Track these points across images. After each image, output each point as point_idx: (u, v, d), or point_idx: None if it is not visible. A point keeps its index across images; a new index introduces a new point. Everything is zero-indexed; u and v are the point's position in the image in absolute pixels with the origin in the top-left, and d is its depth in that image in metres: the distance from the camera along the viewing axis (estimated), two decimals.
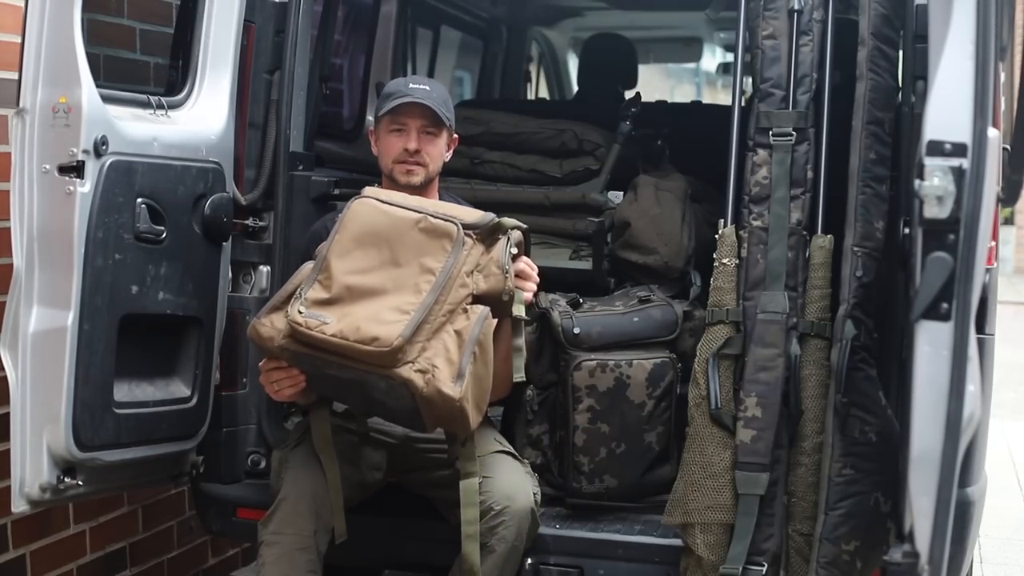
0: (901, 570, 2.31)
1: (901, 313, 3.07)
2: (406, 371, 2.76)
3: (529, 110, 4.45)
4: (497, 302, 2.91)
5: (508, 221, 2.95)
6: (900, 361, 3.03)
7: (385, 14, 4.80)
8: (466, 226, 2.89)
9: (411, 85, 3.23)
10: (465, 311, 2.85)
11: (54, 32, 2.89)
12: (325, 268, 2.86)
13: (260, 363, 2.99)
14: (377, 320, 2.78)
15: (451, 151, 3.34)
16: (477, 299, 2.88)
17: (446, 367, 2.78)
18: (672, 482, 3.20)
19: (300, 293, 2.85)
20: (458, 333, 2.82)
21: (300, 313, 2.81)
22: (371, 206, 2.93)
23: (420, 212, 2.90)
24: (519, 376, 3.01)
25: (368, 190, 3.01)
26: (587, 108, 4.62)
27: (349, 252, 2.88)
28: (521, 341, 3.00)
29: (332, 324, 2.79)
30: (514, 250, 2.96)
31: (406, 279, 2.84)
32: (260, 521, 3.09)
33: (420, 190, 3.25)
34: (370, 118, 4.76)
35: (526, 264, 3.04)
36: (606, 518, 3.39)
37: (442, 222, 2.88)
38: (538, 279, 3.09)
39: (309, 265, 2.93)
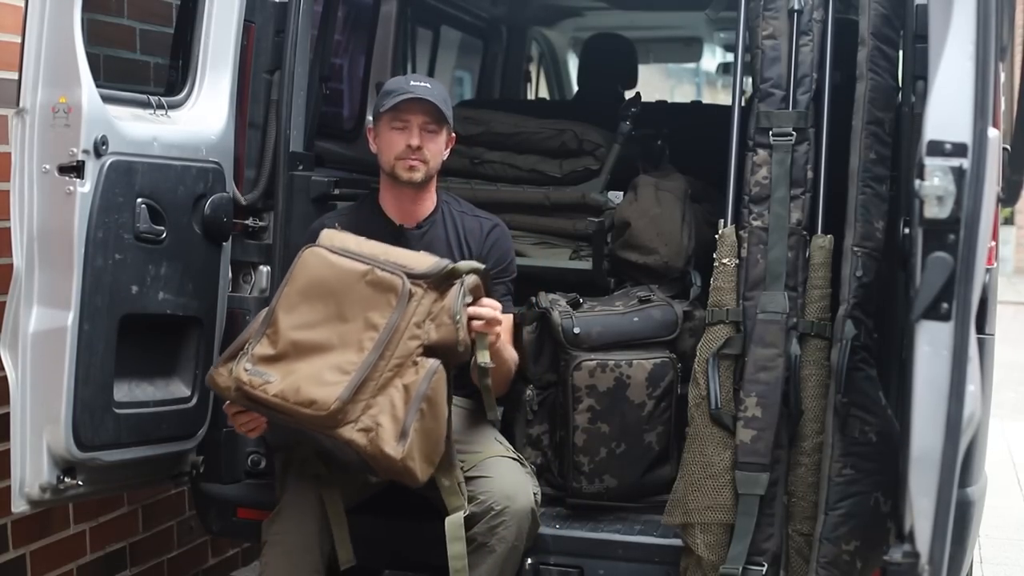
0: (901, 570, 2.31)
1: (901, 313, 3.07)
2: (347, 431, 2.80)
3: (529, 110, 4.45)
4: (453, 351, 2.90)
5: (463, 265, 2.94)
6: (900, 361, 3.03)
7: (385, 14, 4.80)
8: (416, 275, 2.88)
9: (412, 83, 3.23)
10: (415, 363, 2.85)
11: (54, 32, 2.89)
12: (272, 322, 2.89)
13: (224, 406, 3.03)
14: (317, 381, 2.81)
15: (449, 150, 3.34)
16: (430, 349, 2.88)
17: (391, 425, 2.80)
18: (672, 482, 3.20)
19: (248, 348, 2.88)
20: (406, 388, 2.83)
21: (246, 371, 2.85)
22: (320, 257, 2.93)
23: (368, 264, 2.90)
24: (492, 415, 3.08)
25: (324, 235, 3.01)
26: (587, 108, 4.62)
27: (296, 306, 2.90)
28: (488, 381, 3.01)
29: (275, 383, 2.82)
30: (469, 298, 2.92)
31: (351, 335, 2.85)
32: (264, 521, 3.09)
33: (420, 188, 3.26)
34: (370, 117, 4.76)
35: (488, 307, 2.97)
36: (606, 518, 3.39)
37: (388, 275, 2.87)
38: (502, 320, 3.03)
39: (263, 313, 2.96)
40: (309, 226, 3.43)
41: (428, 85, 3.24)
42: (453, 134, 3.35)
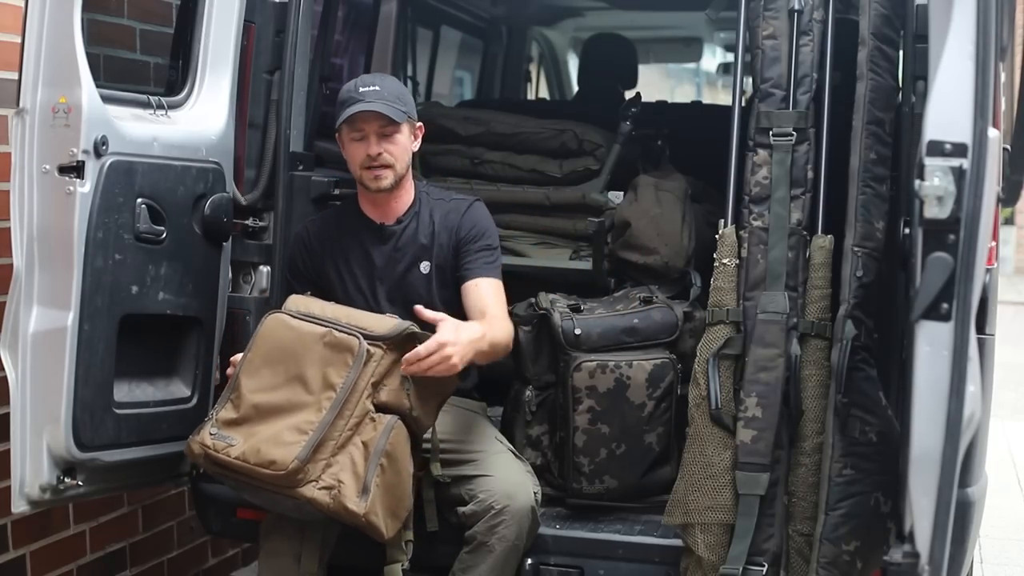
0: (901, 570, 2.31)
1: (901, 313, 3.07)
2: (309, 490, 2.87)
3: (529, 110, 4.45)
4: (406, 416, 2.96)
5: (422, 335, 2.96)
6: (900, 361, 3.03)
7: (385, 14, 4.81)
8: (374, 337, 2.93)
9: (361, 88, 3.21)
10: (373, 420, 2.92)
11: (54, 32, 2.89)
12: (236, 388, 2.98)
13: None
14: (277, 442, 2.87)
15: (418, 140, 3.33)
16: (386, 407, 2.94)
17: (352, 481, 2.88)
18: (672, 482, 3.20)
19: (213, 414, 2.97)
20: (365, 445, 2.90)
21: (211, 435, 2.93)
22: (280, 321, 3.01)
23: (328, 326, 2.97)
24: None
25: (291, 301, 3.09)
26: (587, 108, 4.62)
27: (258, 370, 2.97)
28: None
29: (238, 446, 2.91)
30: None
31: (309, 396, 2.92)
32: (262, 523, 3.10)
33: (393, 192, 3.26)
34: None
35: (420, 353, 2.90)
36: (606, 518, 3.39)
37: (345, 336, 2.94)
38: (438, 359, 2.91)
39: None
40: None
41: (377, 87, 3.22)
42: (419, 124, 3.33)
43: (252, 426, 2.92)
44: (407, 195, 3.33)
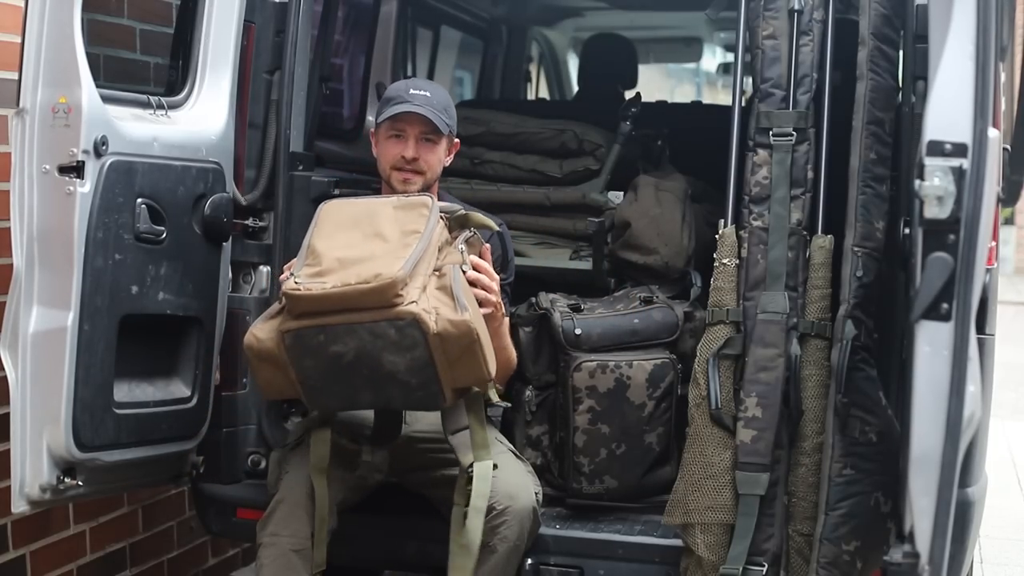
0: (901, 570, 2.31)
1: (901, 313, 3.07)
2: (414, 307, 2.73)
3: (529, 110, 4.45)
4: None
5: (476, 218, 3.02)
6: (900, 361, 3.03)
7: (385, 14, 4.80)
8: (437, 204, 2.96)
9: (412, 90, 3.20)
10: (439, 272, 2.86)
11: (54, 32, 2.89)
12: (311, 252, 2.86)
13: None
14: (374, 265, 2.77)
15: (451, 156, 3.32)
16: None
17: (449, 302, 2.78)
18: (672, 482, 3.20)
19: (291, 275, 2.83)
20: (442, 288, 2.82)
21: (297, 282, 2.78)
22: (341, 202, 3.03)
23: (392, 199, 3.00)
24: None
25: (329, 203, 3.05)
26: (587, 108, 4.62)
27: (331, 235, 2.90)
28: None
29: (330, 281, 2.76)
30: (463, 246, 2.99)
31: (393, 243, 2.85)
32: (258, 522, 3.09)
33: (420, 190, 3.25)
34: (370, 119, 4.76)
35: (486, 272, 3.00)
36: (606, 518, 3.39)
37: (417, 196, 2.99)
38: (494, 287, 3.02)
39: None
40: (308, 225, 3.42)
41: (428, 93, 3.21)
42: (457, 140, 3.33)
43: (339, 272, 2.78)
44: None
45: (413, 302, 2.73)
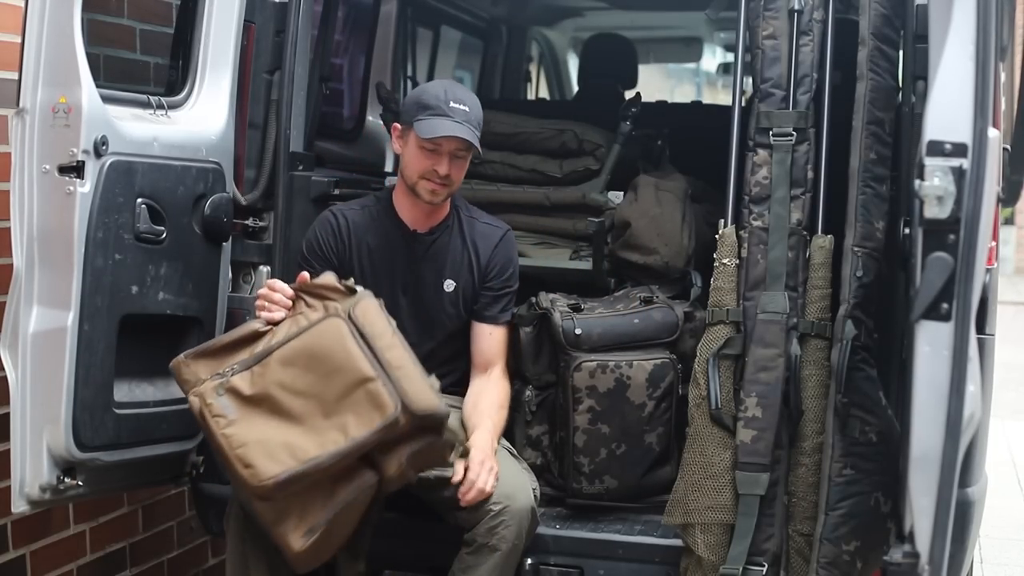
0: (901, 570, 2.31)
1: (901, 313, 3.07)
2: (261, 506, 2.83)
3: (529, 110, 4.45)
4: (388, 478, 2.90)
5: (451, 435, 2.92)
6: (900, 361, 3.03)
7: (385, 14, 4.80)
8: (410, 410, 2.79)
9: (452, 103, 3.14)
10: (355, 472, 2.85)
11: (54, 32, 2.89)
12: (264, 364, 2.87)
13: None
14: (265, 450, 2.78)
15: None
16: (372, 463, 2.87)
17: (302, 519, 2.82)
18: (672, 482, 3.20)
19: (228, 372, 2.87)
20: (333, 491, 2.83)
21: (217, 395, 2.84)
22: (341, 334, 2.85)
23: (377, 372, 2.81)
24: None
25: (368, 307, 2.90)
26: (587, 108, 4.62)
27: (292, 363, 2.86)
28: None
29: (231, 425, 2.81)
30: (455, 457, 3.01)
31: (321, 423, 2.81)
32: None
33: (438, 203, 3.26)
34: (370, 118, 4.77)
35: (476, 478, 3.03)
36: (606, 518, 3.39)
37: (386, 396, 2.79)
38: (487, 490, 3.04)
39: (253, 325, 2.93)
40: (309, 226, 3.42)
41: (467, 107, 3.16)
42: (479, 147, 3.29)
43: (255, 415, 2.83)
44: (445, 207, 3.33)
45: (270, 500, 2.81)
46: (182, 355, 2.93)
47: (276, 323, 2.95)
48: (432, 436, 2.89)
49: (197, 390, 2.87)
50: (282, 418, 2.83)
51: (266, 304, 2.97)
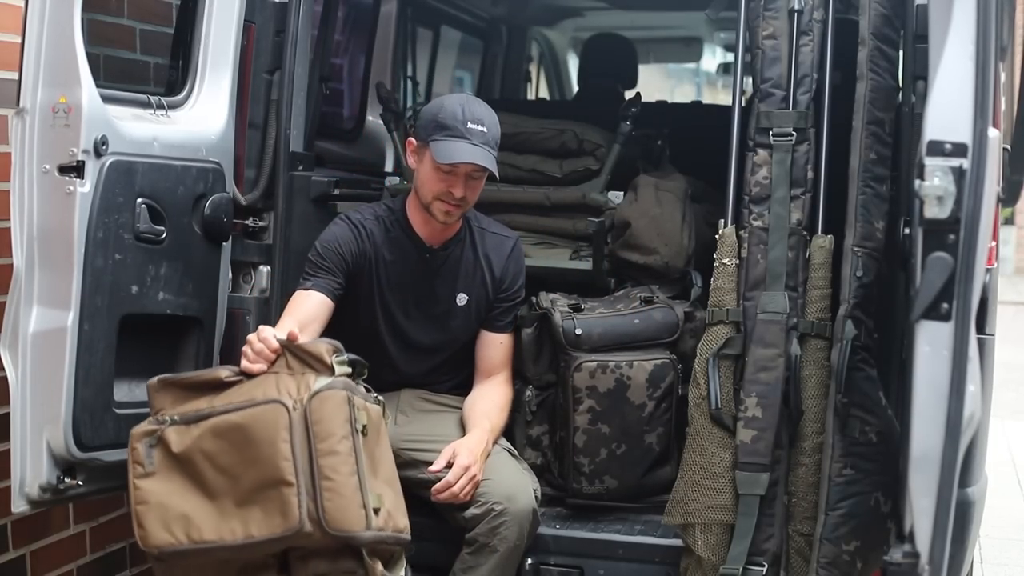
0: (901, 570, 2.31)
1: (901, 313, 3.07)
2: (156, 565, 2.82)
3: (529, 110, 4.45)
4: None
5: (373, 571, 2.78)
6: (900, 361, 3.03)
7: (385, 14, 4.80)
8: (326, 528, 2.66)
9: (469, 124, 3.09)
10: (261, 568, 2.79)
11: (54, 32, 2.89)
12: (200, 426, 2.78)
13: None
14: (163, 517, 2.76)
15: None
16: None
17: None
18: (672, 482, 3.20)
19: (167, 421, 2.81)
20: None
21: (147, 444, 2.80)
22: (279, 425, 2.71)
23: (302, 477, 2.67)
24: None
25: (327, 394, 2.74)
26: (587, 108, 4.62)
27: (224, 436, 2.75)
28: None
29: (146, 477, 2.79)
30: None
31: (230, 511, 2.73)
32: None
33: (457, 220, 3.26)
34: (370, 118, 4.77)
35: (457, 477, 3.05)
36: (606, 518, 3.39)
37: (294, 507, 2.66)
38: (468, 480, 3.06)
39: (220, 373, 2.87)
40: (309, 226, 3.42)
41: (484, 128, 3.12)
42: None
43: (172, 475, 2.77)
44: (458, 223, 3.32)
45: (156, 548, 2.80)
46: (156, 378, 2.89)
47: (250, 375, 2.84)
48: (351, 562, 2.75)
49: (136, 429, 2.84)
50: (196, 488, 2.76)
51: (248, 353, 2.87)
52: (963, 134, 2.24)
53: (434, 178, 3.15)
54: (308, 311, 3.13)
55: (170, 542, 2.74)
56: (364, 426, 2.77)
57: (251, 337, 2.90)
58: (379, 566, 2.81)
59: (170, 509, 2.76)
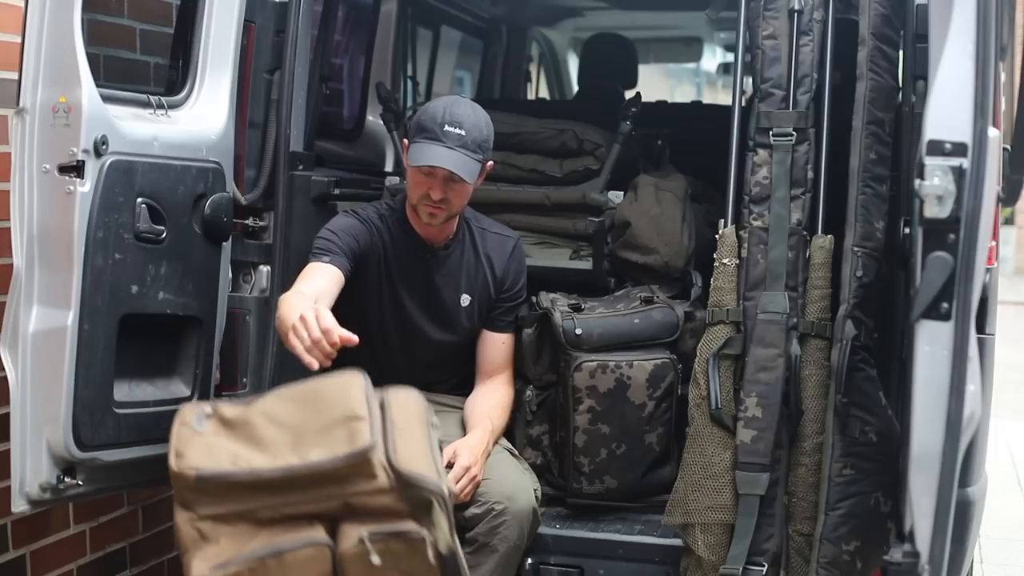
0: (901, 570, 2.31)
1: (901, 313, 3.07)
2: (180, 514, 2.54)
3: (529, 110, 4.45)
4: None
5: (438, 534, 2.48)
6: (900, 361, 3.03)
7: (385, 14, 4.80)
8: (396, 467, 2.42)
9: (447, 127, 3.06)
10: (303, 523, 2.46)
11: (54, 32, 2.88)
12: (263, 396, 2.56)
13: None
14: (208, 448, 2.46)
15: (483, 177, 3.25)
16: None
17: (218, 548, 2.48)
18: (672, 482, 3.20)
19: (212, 406, 2.53)
20: (270, 532, 2.46)
21: (195, 416, 2.52)
22: (360, 383, 2.50)
23: (373, 415, 2.45)
24: None
25: (408, 396, 2.56)
26: (587, 108, 4.62)
27: (290, 397, 2.52)
28: None
29: (196, 436, 2.48)
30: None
31: (284, 453, 2.44)
32: None
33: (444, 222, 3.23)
34: (370, 118, 4.77)
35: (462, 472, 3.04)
36: (606, 518, 3.39)
37: (366, 432, 2.40)
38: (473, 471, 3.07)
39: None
40: (309, 226, 3.42)
41: (462, 132, 3.06)
42: (491, 163, 3.25)
43: (225, 436, 2.48)
44: (455, 222, 3.31)
45: (191, 511, 2.58)
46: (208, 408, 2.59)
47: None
48: (410, 524, 2.47)
49: (186, 406, 2.60)
50: (248, 441, 2.48)
51: (304, 337, 2.65)
52: (963, 134, 2.24)
53: (415, 180, 3.15)
54: (323, 283, 3.00)
55: (212, 465, 2.42)
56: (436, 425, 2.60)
57: (308, 316, 2.65)
58: (445, 524, 2.52)
59: (214, 445, 2.47)
